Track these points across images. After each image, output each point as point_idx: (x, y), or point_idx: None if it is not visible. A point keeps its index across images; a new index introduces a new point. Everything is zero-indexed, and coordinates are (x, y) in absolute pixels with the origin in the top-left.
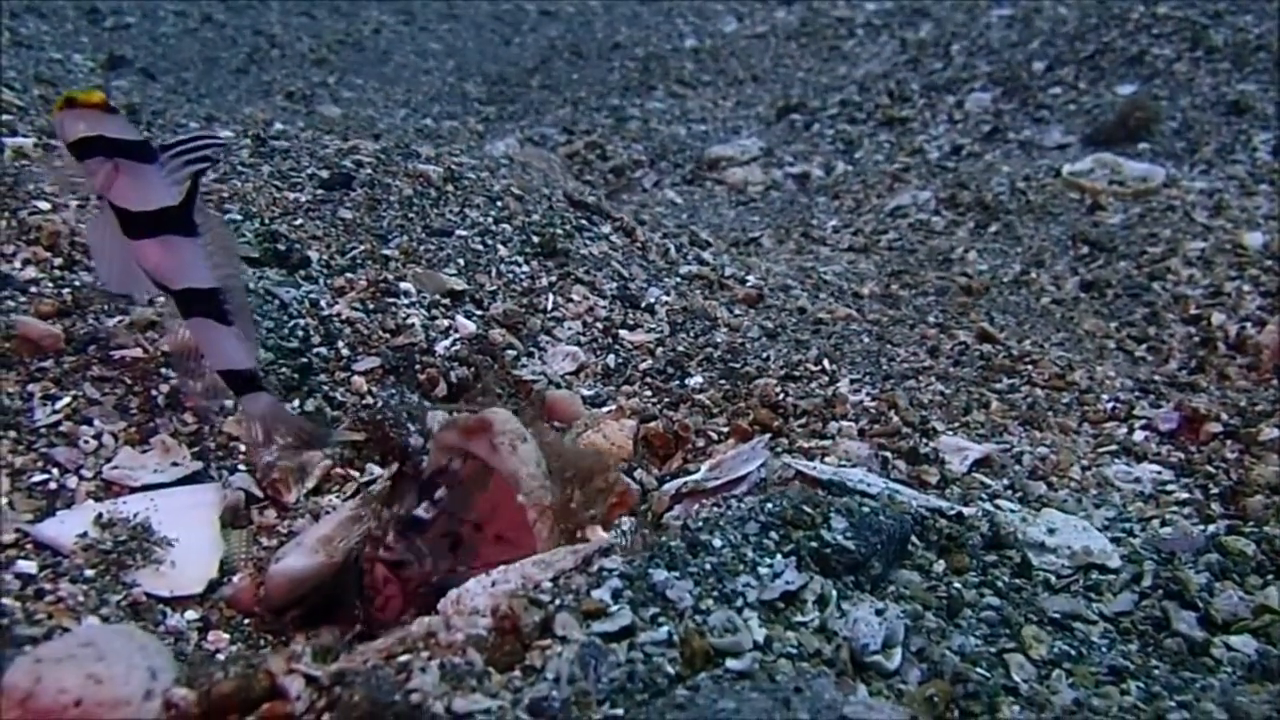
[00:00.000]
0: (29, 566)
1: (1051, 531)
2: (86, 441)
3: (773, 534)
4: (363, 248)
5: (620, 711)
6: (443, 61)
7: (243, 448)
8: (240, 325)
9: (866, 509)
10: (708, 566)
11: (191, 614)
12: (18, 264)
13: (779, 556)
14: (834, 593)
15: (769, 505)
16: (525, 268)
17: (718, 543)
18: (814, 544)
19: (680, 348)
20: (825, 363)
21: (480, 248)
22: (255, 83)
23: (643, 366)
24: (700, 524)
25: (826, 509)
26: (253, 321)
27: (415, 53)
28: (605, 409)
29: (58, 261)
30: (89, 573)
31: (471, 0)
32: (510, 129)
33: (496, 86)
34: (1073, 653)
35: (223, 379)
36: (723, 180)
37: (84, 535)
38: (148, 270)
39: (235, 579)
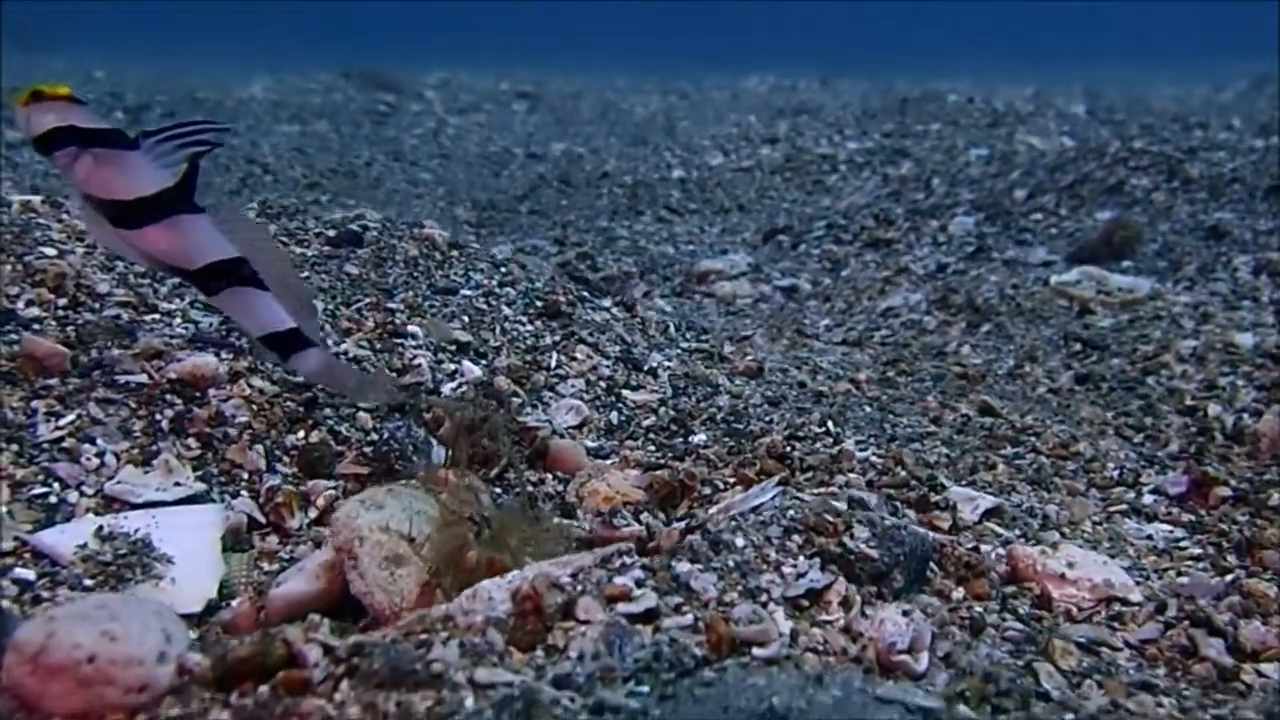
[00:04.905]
0: (27, 574)
1: (1071, 565)
2: (89, 459)
3: (795, 537)
4: (368, 300)
5: (646, 689)
6: (433, 189)
7: (245, 475)
8: (286, 286)
9: (889, 522)
10: (731, 563)
11: (190, 633)
12: (21, 304)
13: (802, 558)
14: (858, 597)
15: (791, 511)
16: (529, 327)
17: (740, 542)
18: (837, 550)
19: (683, 407)
20: (829, 424)
21: (484, 307)
22: (246, 202)
23: (646, 423)
24: (722, 526)
25: (849, 518)
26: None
27: (407, 181)
28: (609, 461)
29: (61, 302)
30: (88, 582)
31: (460, 143)
32: (502, 241)
33: (486, 212)
34: (1101, 669)
35: (266, 345)
36: (712, 293)
37: (84, 546)
38: (157, 258)
39: (234, 603)
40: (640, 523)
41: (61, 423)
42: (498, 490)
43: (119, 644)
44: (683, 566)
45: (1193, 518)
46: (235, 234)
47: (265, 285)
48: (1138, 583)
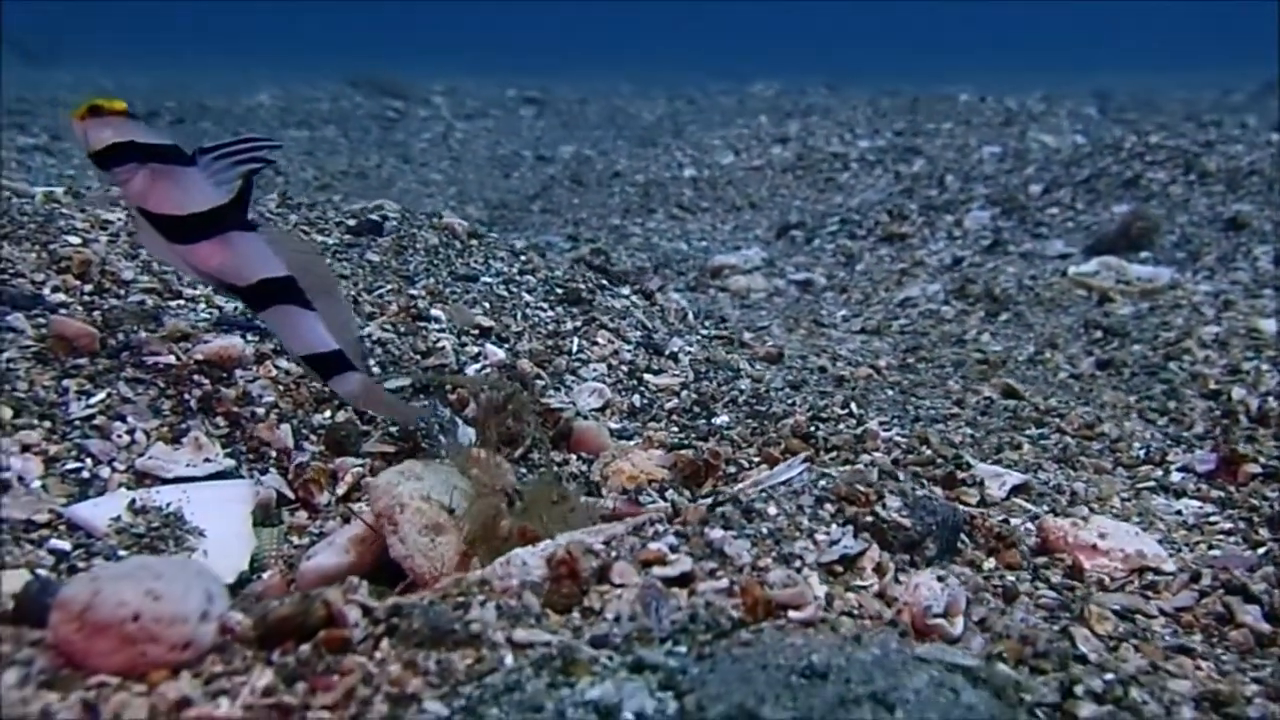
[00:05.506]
0: (63, 544)
1: (1103, 536)
2: (120, 435)
3: (828, 506)
4: (390, 287)
5: (684, 649)
6: (444, 189)
7: (274, 452)
8: (328, 307)
9: (920, 493)
10: (764, 530)
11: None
12: (48, 290)
13: (834, 526)
14: (892, 564)
15: (822, 482)
16: (550, 312)
17: (773, 511)
18: (869, 518)
19: (705, 390)
20: (853, 406)
21: (505, 294)
22: (258, 200)
23: (669, 406)
24: (753, 496)
25: (880, 488)
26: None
27: (418, 181)
28: (633, 442)
29: (88, 288)
30: (122, 553)
31: (469, 146)
32: (516, 238)
33: (498, 211)
34: (1137, 634)
35: (308, 365)
36: (726, 287)
37: (117, 519)
38: (209, 273)
39: (265, 575)
40: (665, 500)
41: (92, 401)
42: (523, 470)
43: (163, 602)
44: (716, 533)
45: (1222, 494)
46: (283, 252)
47: (311, 305)
48: (1170, 554)
